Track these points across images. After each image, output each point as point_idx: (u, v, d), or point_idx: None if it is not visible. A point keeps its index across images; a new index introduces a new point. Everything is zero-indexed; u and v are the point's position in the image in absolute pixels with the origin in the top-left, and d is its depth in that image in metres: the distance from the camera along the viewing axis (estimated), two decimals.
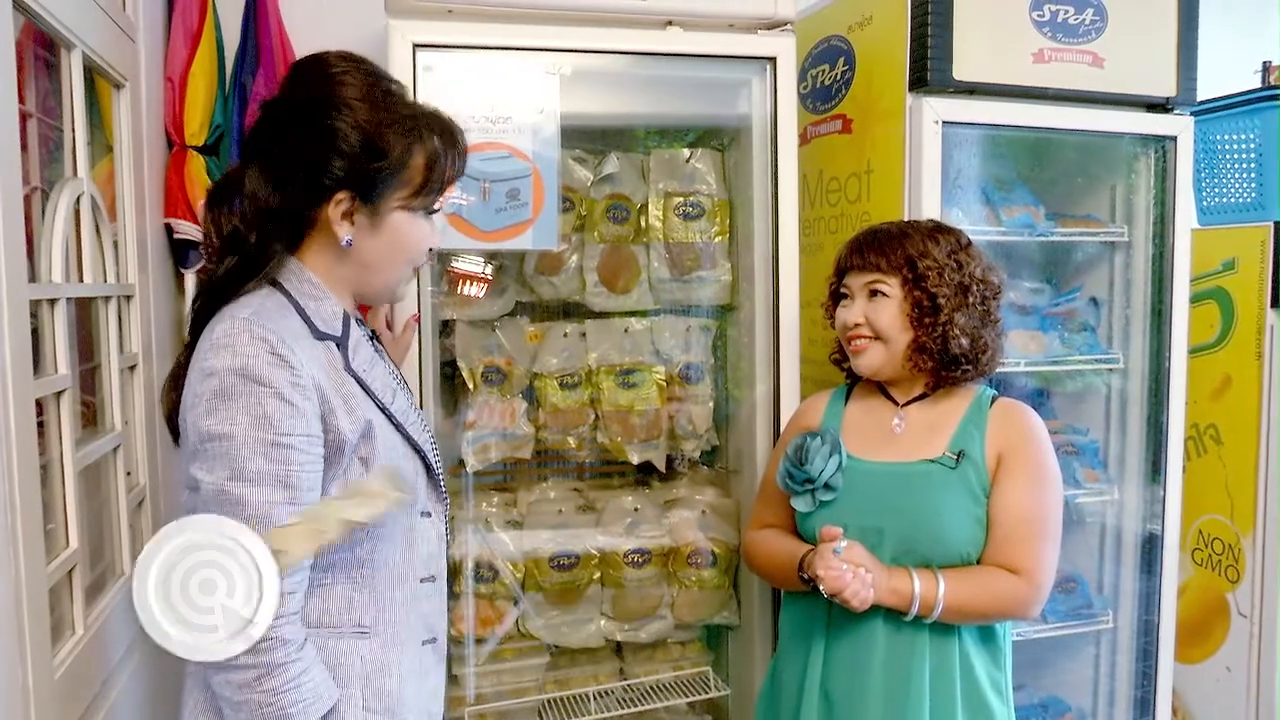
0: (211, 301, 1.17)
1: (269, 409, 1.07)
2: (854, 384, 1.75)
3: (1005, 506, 1.53)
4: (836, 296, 1.68)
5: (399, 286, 1.30)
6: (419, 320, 1.70)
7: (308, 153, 1.17)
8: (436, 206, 1.28)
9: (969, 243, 1.62)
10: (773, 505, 1.73)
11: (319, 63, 1.21)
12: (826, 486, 1.58)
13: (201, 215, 1.28)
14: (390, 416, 1.23)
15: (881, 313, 1.58)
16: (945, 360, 1.57)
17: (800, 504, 1.61)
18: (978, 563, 1.54)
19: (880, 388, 1.69)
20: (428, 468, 1.29)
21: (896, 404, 1.66)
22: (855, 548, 1.49)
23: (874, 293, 1.59)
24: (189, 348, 1.17)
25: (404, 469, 1.23)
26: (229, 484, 1.06)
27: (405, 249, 1.25)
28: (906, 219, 1.84)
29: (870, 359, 1.61)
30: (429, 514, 1.31)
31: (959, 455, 1.56)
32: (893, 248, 1.57)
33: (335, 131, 1.15)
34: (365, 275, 1.25)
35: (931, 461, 1.57)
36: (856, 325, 1.60)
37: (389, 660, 1.21)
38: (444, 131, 1.24)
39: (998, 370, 2.19)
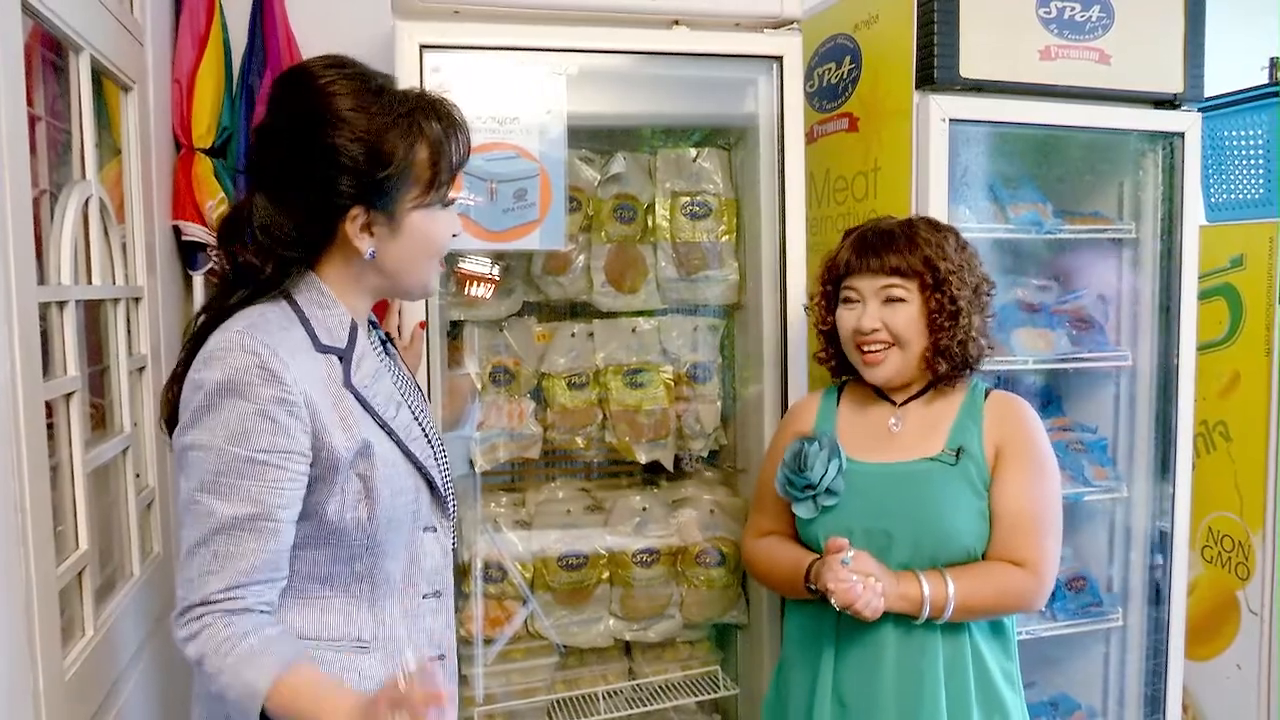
0: (219, 318, 1.15)
1: (249, 425, 1.06)
2: (844, 384, 1.73)
3: (1007, 500, 1.52)
4: (832, 298, 1.64)
5: (431, 281, 1.27)
6: (425, 326, 1.70)
7: (313, 175, 1.13)
8: (452, 196, 1.25)
9: (966, 240, 1.61)
10: (770, 512, 1.70)
11: (305, 75, 1.16)
12: (829, 491, 1.55)
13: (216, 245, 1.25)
14: (391, 433, 1.20)
15: (898, 316, 1.54)
16: (963, 362, 1.56)
17: (802, 510, 1.58)
18: (982, 556, 1.53)
19: (874, 387, 1.65)
20: (431, 484, 1.26)
21: (893, 403, 1.63)
22: (863, 557, 1.47)
23: (890, 298, 1.54)
24: (187, 356, 1.16)
25: (404, 486, 1.21)
26: (199, 494, 1.06)
27: (429, 245, 1.23)
28: (902, 216, 1.82)
29: (889, 368, 1.57)
30: (433, 529, 1.28)
31: (958, 452, 1.55)
32: (910, 250, 1.53)
33: (337, 149, 1.12)
34: (394, 280, 1.23)
35: (932, 459, 1.56)
36: (874, 331, 1.55)
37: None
38: (441, 117, 1.20)
39: (1006, 368, 2.20)
